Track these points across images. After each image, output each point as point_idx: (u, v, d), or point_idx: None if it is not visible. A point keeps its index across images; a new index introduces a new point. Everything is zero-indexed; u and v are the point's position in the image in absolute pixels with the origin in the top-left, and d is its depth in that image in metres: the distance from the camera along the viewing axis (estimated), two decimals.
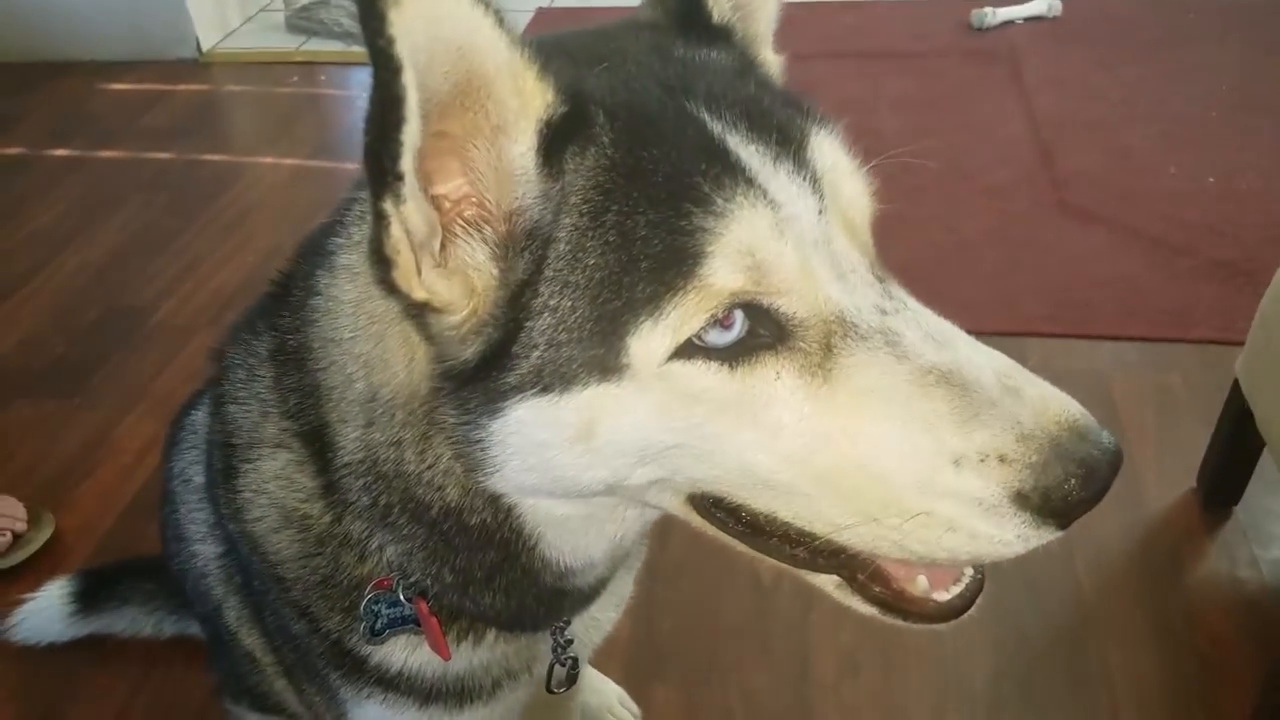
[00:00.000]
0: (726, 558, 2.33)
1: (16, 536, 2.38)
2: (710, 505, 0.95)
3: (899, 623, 0.97)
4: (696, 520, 0.98)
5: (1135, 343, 2.90)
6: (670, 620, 2.21)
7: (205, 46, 4.98)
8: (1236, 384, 2.22)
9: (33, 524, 2.41)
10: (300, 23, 5.09)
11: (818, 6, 5.07)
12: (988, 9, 4.71)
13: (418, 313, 0.89)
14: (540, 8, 5.12)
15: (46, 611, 2.10)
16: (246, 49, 5.04)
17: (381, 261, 0.83)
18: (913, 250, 3.26)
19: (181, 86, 4.77)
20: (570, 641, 1.26)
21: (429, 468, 0.98)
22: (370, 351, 0.98)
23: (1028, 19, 4.74)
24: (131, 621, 2.11)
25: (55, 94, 4.72)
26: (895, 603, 0.96)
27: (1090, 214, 3.41)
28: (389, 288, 0.86)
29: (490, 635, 1.19)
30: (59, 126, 4.44)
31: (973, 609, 0.96)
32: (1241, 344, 2.20)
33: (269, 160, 4.13)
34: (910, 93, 4.27)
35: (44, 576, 2.19)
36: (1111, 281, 3.10)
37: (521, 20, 4.87)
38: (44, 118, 4.54)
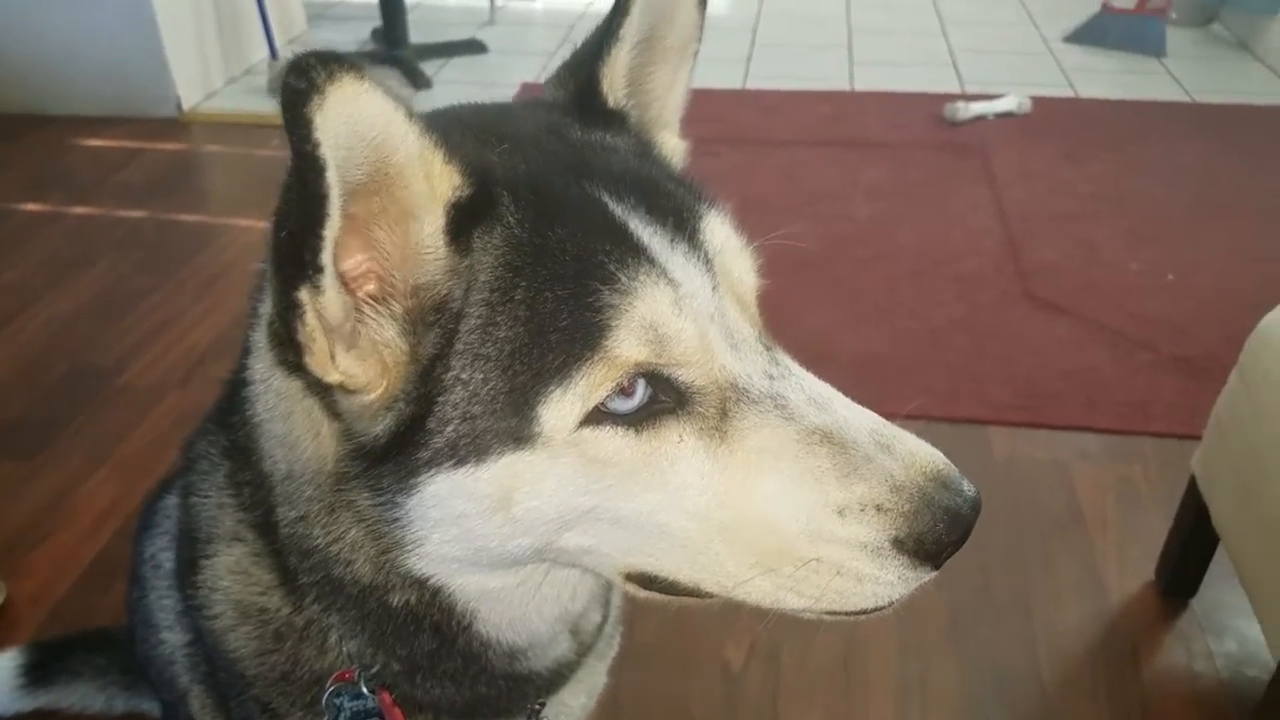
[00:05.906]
0: (695, 644, 2.34)
1: None
2: (648, 582, 0.98)
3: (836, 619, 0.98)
4: (643, 594, 1.01)
5: (1097, 434, 2.94)
6: (636, 708, 2.17)
7: (186, 105, 5.00)
8: (1194, 479, 2.26)
9: None
10: None
11: (797, 95, 5.20)
12: (960, 104, 4.86)
13: (323, 391, 0.91)
14: (525, 82, 5.20)
15: None
16: (227, 110, 5.06)
17: (292, 346, 0.86)
18: (884, 336, 3.31)
19: (160, 145, 4.76)
20: None
21: (335, 541, 0.99)
22: (282, 430, 1.00)
23: (998, 114, 4.89)
24: (82, 697, 2.04)
25: (31, 147, 4.70)
26: None
27: (1055, 306, 3.49)
28: (291, 367, 0.89)
29: None
30: (33, 180, 4.42)
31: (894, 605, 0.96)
32: (1199, 439, 2.25)
33: (245, 222, 4.11)
34: (884, 181, 4.37)
35: None
36: (1075, 373, 3.16)
37: (508, 94, 4.94)
38: (19, 171, 4.52)
